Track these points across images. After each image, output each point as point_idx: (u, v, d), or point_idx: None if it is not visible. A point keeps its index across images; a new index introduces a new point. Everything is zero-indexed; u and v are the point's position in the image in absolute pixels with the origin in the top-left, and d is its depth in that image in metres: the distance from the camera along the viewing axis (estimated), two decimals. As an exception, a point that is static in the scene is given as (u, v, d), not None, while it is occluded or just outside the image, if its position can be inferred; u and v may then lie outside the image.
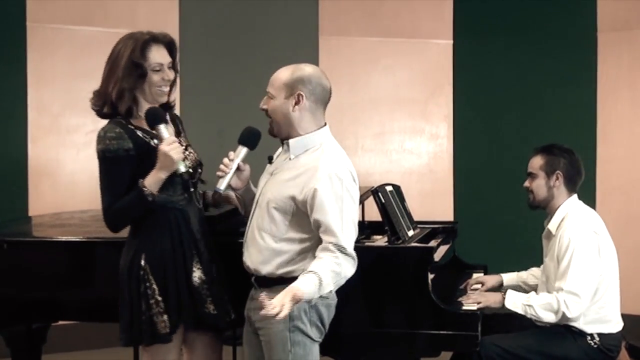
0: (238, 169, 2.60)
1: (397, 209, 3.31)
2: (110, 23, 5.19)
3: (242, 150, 2.60)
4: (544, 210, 3.29)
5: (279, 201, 2.49)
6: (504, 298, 3.12)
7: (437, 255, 3.14)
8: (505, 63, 5.68)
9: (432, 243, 3.31)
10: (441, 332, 2.81)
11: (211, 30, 5.40)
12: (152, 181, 2.51)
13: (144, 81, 2.58)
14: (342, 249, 2.38)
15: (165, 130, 2.56)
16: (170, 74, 2.64)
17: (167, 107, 2.71)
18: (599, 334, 3.10)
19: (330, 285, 2.35)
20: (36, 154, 5.11)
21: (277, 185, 2.52)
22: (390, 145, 5.82)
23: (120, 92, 2.56)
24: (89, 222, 3.82)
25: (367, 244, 3.30)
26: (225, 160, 2.58)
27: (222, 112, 5.19)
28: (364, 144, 5.78)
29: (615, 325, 3.17)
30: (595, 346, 3.09)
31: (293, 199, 2.46)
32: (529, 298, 3.10)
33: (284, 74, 2.52)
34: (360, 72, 5.74)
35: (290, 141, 2.53)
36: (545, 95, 5.60)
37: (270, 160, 2.65)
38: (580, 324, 3.09)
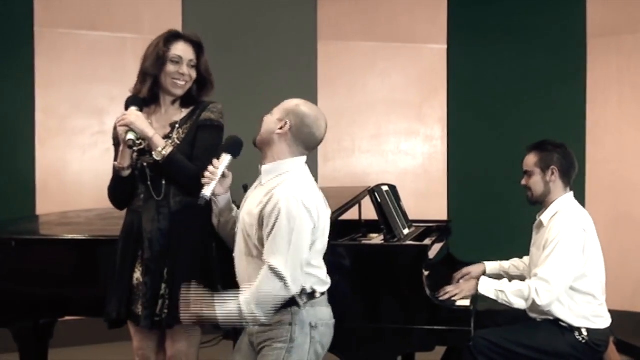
0: (223, 176, 2.62)
1: (393, 208, 3.36)
2: (115, 28, 5.27)
3: (226, 158, 2.62)
4: (542, 205, 3.28)
5: (249, 227, 2.52)
6: (477, 284, 3.10)
7: (432, 253, 3.16)
8: (497, 67, 5.75)
9: (427, 241, 3.33)
10: (435, 327, 2.82)
11: (213, 36, 5.39)
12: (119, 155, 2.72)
13: (162, 70, 2.74)
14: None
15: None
16: (190, 71, 2.78)
17: (190, 100, 2.83)
18: (588, 329, 3.10)
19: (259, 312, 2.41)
20: (43, 155, 5.16)
21: (248, 214, 2.56)
22: (387, 147, 5.89)
23: (142, 76, 2.77)
24: (95, 221, 3.88)
25: (363, 242, 3.38)
26: (210, 167, 2.60)
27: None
28: (361, 145, 5.86)
29: (603, 321, 3.17)
30: (583, 341, 3.09)
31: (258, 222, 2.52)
32: (501, 284, 3.10)
33: (292, 101, 2.62)
34: (358, 75, 5.80)
35: (263, 167, 2.60)
36: (536, 98, 5.66)
37: (245, 189, 2.70)
38: (568, 319, 3.10)
